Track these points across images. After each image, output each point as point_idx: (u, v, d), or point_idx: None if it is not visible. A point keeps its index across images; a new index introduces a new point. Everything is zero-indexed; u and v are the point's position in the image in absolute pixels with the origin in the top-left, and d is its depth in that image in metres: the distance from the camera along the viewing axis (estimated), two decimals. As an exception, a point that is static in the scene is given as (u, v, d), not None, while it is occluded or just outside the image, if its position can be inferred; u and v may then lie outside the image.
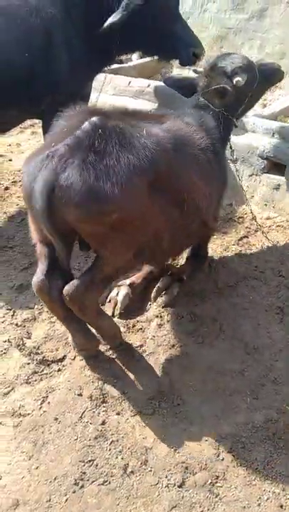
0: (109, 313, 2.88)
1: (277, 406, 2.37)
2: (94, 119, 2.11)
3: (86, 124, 2.08)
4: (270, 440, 2.23)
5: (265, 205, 3.78)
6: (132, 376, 2.55)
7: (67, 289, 2.28)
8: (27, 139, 5.30)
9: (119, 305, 2.91)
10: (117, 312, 2.91)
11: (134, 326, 2.87)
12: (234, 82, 2.75)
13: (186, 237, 2.69)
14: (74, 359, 2.65)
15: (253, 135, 3.75)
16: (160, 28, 3.48)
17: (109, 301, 2.98)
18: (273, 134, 3.65)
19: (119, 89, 4.34)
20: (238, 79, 2.74)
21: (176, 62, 5.18)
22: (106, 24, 3.24)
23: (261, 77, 2.95)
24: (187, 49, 3.56)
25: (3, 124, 3.71)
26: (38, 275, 2.37)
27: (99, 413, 2.37)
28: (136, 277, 3.11)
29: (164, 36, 3.53)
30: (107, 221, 2.07)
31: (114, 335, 2.66)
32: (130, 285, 3.01)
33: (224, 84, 2.76)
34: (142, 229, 2.27)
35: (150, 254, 2.49)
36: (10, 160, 4.84)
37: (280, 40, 4.40)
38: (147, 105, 4.03)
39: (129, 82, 4.29)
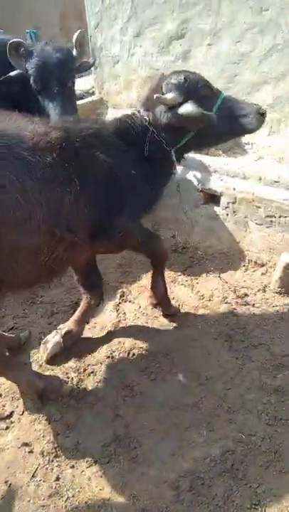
0: (41, 356, 2.89)
1: (233, 436, 2.37)
2: None
3: None
4: (229, 472, 2.21)
5: (206, 234, 3.90)
6: (85, 424, 2.47)
7: None
8: None
9: (48, 351, 2.86)
10: (44, 358, 2.87)
11: (85, 370, 2.80)
12: (154, 97, 2.35)
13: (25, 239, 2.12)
14: (22, 414, 2.53)
15: (188, 169, 3.90)
16: (36, 103, 3.34)
17: (44, 343, 2.93)
18: (206, 167, 3.82)
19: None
20: (166, 96, 2.32)
21: (110, 103, 5.40)
22: None
23: (225, 115, 2.46)
24: None
25: None
26: None
27: (52, 469, 2.25)
28: (72, 323, 3.02)
29: (40, 110, 3.36)
30: None
31: (33, 388, 2.56)
32: (66, 334, 2.93)
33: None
34: None
35: None
36: None
37: (205, 79, 4.69)
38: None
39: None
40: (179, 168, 3.20)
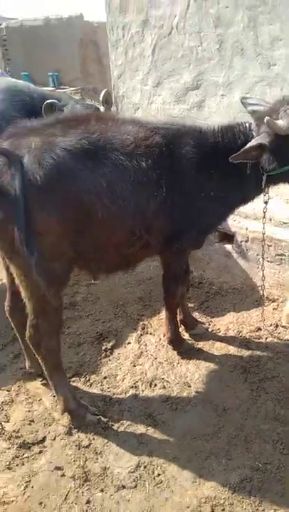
0: None
1: (250, 464, 2.53)
2: (2, 142, 2.32)
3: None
4: (247, 499, 2.37)
5: (221, 271, 4.15)
6: (112, 450, 2.65)
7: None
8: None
9: None
10: None
11: (110, 399, 3.01)
12: (265, 121, 2.36)
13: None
14: (54, 439, 2.73)
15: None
16: None
17: None
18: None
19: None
20: (277, 123, 2.34)
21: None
22: None
23: None
24: None
25: None
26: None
27: (83, 492, 2.43)
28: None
29: None
30: None
31: (66, 405, 2.78)
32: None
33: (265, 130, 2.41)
34: None
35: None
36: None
37: (218, 126, 5.07)
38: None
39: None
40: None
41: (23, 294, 2.56)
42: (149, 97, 5.43)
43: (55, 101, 3.52)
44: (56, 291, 2.56)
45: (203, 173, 2.65)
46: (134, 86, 5.51)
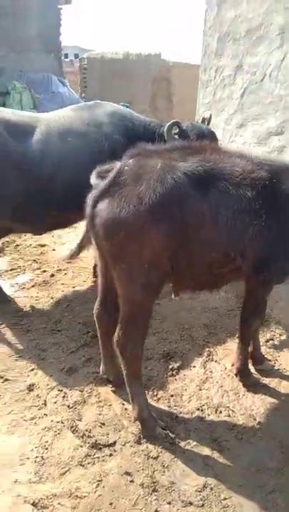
0: None
1: (316, 507, 2.54)
2: (128, 160, 2.66)
3: (119, 164, 2.65)
4: None
5: (289, 311, 4.22)
6: (179, 466, 2.73)
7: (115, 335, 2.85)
8: (67, 232, 5.88)
9: None
10: None
11: (176, 417, 3.09)
12: None
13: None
14: (124, 445, 2.84)
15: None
16: None
17: None
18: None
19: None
20: None
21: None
22: None
23: None
24: None
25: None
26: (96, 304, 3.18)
27: (151, 501, 2.51)
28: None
29: None
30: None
31: (140, 414, 2.90)
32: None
33: None
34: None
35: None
36: (53, 250, 5.35)
37: (296, 171, 5.23)
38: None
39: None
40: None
41: (120, 299, 2.76)
42: (230, 137, 5.70)
43: (179, 121, 3.90)
44: (150, 300, 2.76)
45: None
46: (216, 124, 5.79)
